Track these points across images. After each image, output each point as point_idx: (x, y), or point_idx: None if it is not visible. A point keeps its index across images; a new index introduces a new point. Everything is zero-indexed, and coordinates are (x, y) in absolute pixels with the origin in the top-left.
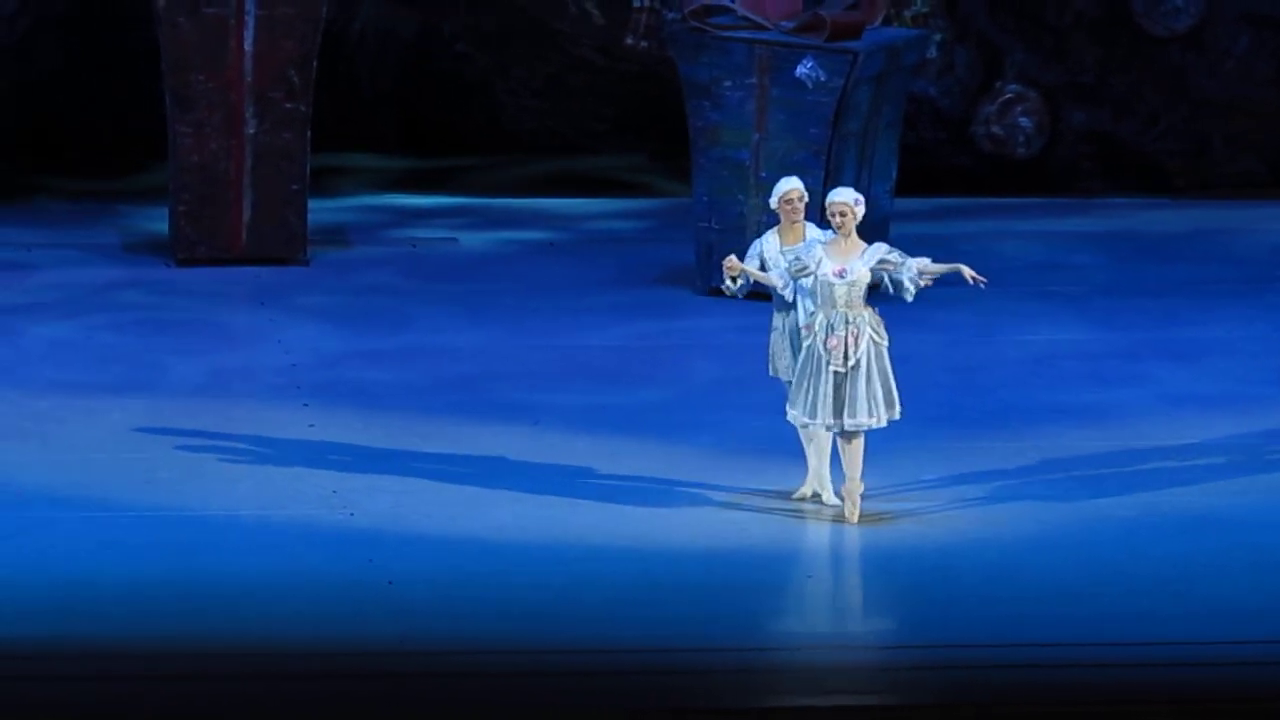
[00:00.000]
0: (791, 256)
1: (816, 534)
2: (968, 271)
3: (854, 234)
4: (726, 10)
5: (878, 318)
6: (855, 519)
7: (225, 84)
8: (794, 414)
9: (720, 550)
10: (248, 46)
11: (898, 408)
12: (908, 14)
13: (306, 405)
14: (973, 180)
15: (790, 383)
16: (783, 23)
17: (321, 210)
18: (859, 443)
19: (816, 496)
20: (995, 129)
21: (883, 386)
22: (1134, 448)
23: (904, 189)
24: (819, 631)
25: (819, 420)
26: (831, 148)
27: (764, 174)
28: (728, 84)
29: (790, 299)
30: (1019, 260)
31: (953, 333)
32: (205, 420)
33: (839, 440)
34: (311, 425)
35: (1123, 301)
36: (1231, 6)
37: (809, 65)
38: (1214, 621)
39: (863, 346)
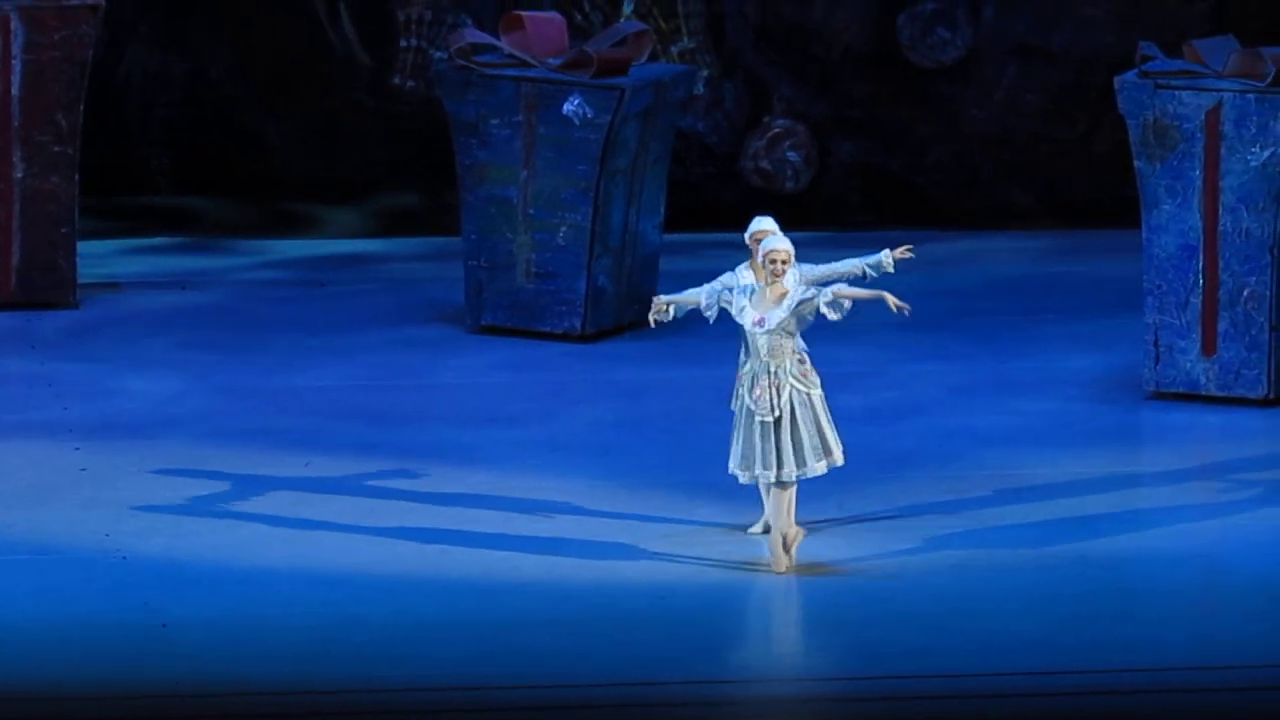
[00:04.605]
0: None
1: (587, 572)
2: (891, 300)
3: (782, 281)
4: (492, 48)
5: (805, 366)
6: (782, 568)
7: None
8: (731, 465)
9: (494, 586)
10: (14, 91)
11: (836, 453)
12: (675, 49)
13: (78, 449)
14: (742, 215)
15: None
16: (549, 59)
17: (92, 254)
18: (789, 494)
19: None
20: (763, 163)
21: (811, 436)
22: (908, 481)
23: (673, 225)
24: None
25: (753, 471)
26: (600, 184)
27: (532, 211)
28: (495, 122)
29: (711, 320)
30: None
31: (725, 370)
32: None
33: (772, 489)
34: (84, 469)
35: (895, 335)
36: (999, 39)
37: (576, 102)
38: (987, 655)
39: (784, 397)
